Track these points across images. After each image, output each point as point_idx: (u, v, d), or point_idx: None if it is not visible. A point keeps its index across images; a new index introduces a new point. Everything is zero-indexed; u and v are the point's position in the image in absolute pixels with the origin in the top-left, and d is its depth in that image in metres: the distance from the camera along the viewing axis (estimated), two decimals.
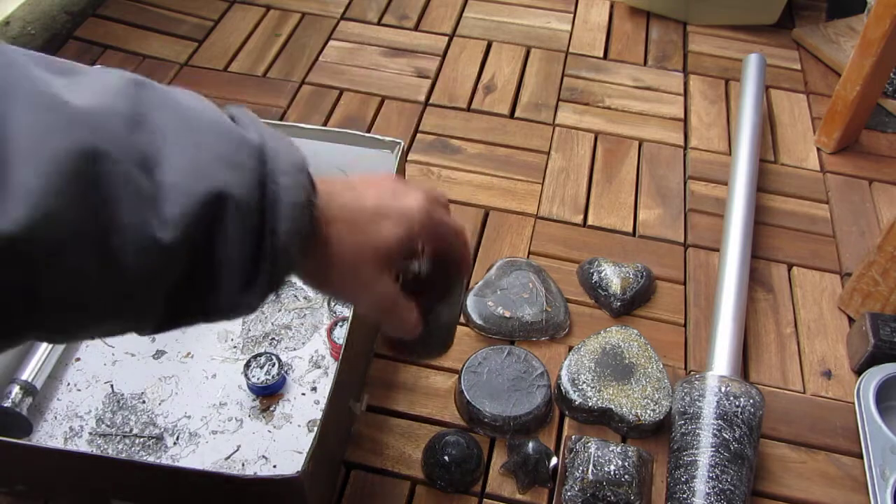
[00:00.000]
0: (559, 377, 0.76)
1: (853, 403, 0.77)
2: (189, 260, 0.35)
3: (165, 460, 0.71)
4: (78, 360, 0.79)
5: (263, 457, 0.72)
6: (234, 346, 0.80)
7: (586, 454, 0.68)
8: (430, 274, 0.51)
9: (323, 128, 0.84)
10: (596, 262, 0.87)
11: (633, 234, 0.95)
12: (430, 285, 0.52)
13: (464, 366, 0.77)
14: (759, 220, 0.96)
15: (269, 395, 0.76)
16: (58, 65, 0.34)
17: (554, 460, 0.71)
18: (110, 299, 0.34)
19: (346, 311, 0.82)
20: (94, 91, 0.34)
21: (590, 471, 0.67)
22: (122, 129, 0.33)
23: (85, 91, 0.33)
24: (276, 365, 0.76)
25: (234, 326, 0.82)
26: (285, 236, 0.38)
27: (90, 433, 0.73)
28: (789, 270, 0.92)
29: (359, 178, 0.47)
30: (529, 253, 0.91)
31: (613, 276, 0.84)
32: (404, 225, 0.46)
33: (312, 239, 0.40)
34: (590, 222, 0.96)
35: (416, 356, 0.65)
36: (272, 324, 0.82)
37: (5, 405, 0.71)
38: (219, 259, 0.36)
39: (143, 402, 0.75)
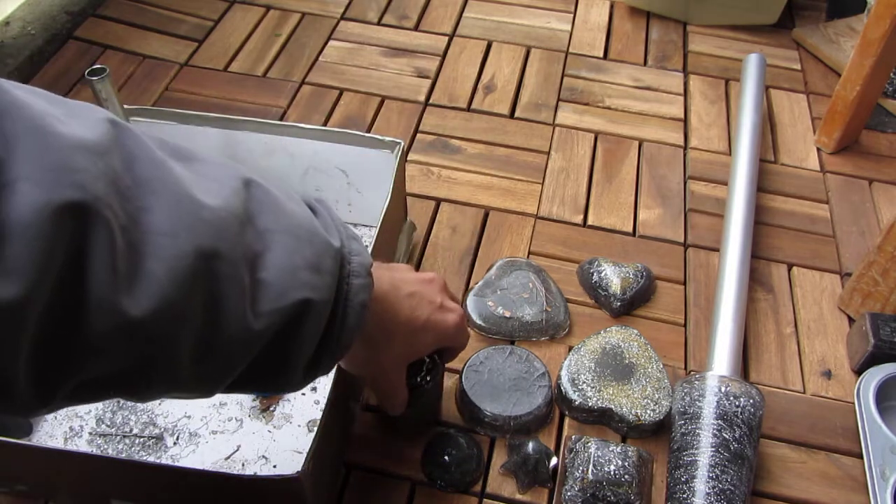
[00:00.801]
0: (559, 377, 0.76)
1: (853, 403, 0.77)
2: (268, 347, 0.40)
3: (165, 460, 0.71)
4: None
5: (263, 457, 0.72)
6: None
7: (586, 454, 0.68)
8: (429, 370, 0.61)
9: (323, 128, 0.84)
10: (596, 262, 0.87)
11: (633, 234, 0.95)
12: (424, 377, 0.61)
13: (465, 365, 0.77)
14: (759, 220, 0.96)
15: (269, 395, 0.76)
16: (174, 148, 0.39)
17: (554, 460, 0.71)
18: (196, 373, 0.39)
19: None
20: (214, 188, 0.38)
21: (590, 471, 0.67)
22: (236, 230, 0.38)
23: (210, 187, 0.38)
24: None
25: None
26: (349, 333, 0.44)
27: (90, 433, 0.73)
28: (789, 270, 0.92)
29: (415, 279, 0.56)
30: (529, 253, 0.92)
31: (613, 276, 0.84)
32: (440, 340, 0.57)
33: (360, 334, 0.46)
34: (590, 222, 0.96)
35: (401, 426, 0.73)
36: None
37: None
38: (293, 348, 0.42)
39: None
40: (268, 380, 0.44)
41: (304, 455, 0.55)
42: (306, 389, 0.77)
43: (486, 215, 0.96)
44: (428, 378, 0.61)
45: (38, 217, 0.30)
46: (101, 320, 0.33)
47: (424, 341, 0.56)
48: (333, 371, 0.61)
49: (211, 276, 0.36)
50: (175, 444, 0.72)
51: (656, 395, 0.74)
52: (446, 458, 0.69)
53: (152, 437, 0.73)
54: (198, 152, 0.40)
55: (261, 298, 0.39)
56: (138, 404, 0.75)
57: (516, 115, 1.11)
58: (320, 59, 1.18)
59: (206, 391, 0.42)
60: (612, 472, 0.67)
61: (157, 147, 0.37)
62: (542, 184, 1.00)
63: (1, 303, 0.29)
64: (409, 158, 1.03)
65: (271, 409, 0.75)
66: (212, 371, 0.40)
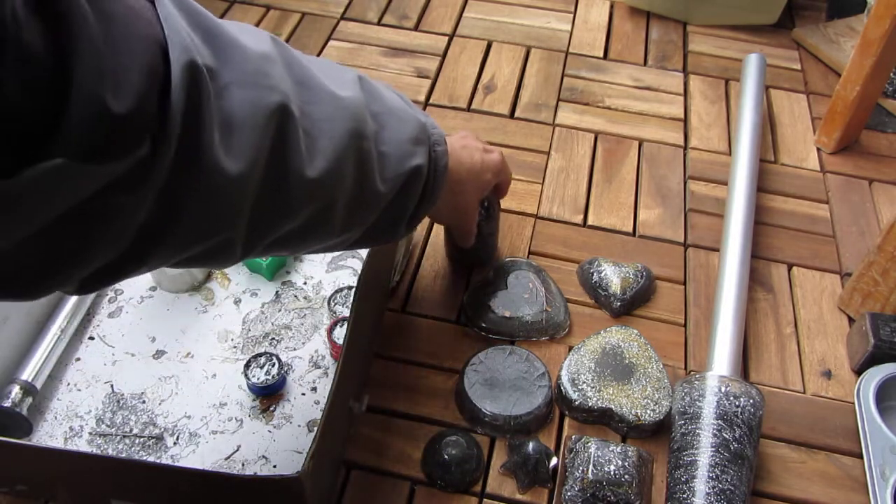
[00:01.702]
0: (559, 377, 0.76)
1: (853, 403, 0.77)
2: (389, 206, 0.53)
3: (165, 460, 0.71)
4: (78, 360, 0.79)
5: (263, 457, 0.72)
6: (234, 346, 0.80)
7: (586, 454, 0.68)
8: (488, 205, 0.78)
9: None
10: (596, 262, 0.87)
11: (633, 234, 0.95)
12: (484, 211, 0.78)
13: (465, 364, 0.77)
14: (759, 220, 0.96)
15: (269, 395, 0.76)
16: (300, 54, 0.48)
17: (554, 460, 0.71)
18: (346, 224, 0.51)
19: (346, 312, 0.82)
20: (341, 83, 0.49)
21: (590, 471, 0.67)
22: (364, 114, 0.49)
23: (338, 82, 0.49)
24: (276, 365, 0.76)
25: (234, 326, 0.82)
26: (437, 188, 0.58)
27: (90, 433, 0.73)
28: (789, 270, 0.92)
29: (459, 137, 0.68)
30: (529, 253, 0.91)
31: (613, 276, 0.84)
32: (495, 174, 0.71)
33: (445, 186, 0.60)
34: (590, 222, 0.96)
35: (472, 262, 0.88)
36: (272, 324, 0.82)
37: (5, 405, 0.71)
38: (408, 203, 0.55)
39: (143, 402, 0.75)
40: (385, 230, 0.56)
41: (304, 455, 0.55)
42: (306, 389, 0.77)
43: None
44: (488, 213, 0.80)
45: (253, 113, 0.39)
46: (296, 187, 0.44)
47: (486, 179, 0.69)
48: (334, 371, 0.61)
49: (357, 149, 0.47)
50: (175, 444, 0.72)
51: (656, 395, 0.74)
52: (446, 458, 0.69)
53: (152, 437, 0.73)
54: (322, 60, 0.51)
55: (386, 167, 0.51)
56: (139, 404, 0.75)
57: (516, 115, 1.11)
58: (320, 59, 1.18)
59: (343, 242, 0.54)
60: (612, 472, 0.67)
61: (295, 53, 0.47)
62: (542, 184, 1.00)
63: (231, 174, 0.38)
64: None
65: (271, 409, 0.75)
66: (352, 223, 0.52)
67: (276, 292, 0.85)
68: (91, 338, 0.81)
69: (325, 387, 0.77)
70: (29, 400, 0.73)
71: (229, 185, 0.39)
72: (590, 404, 0.74)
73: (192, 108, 0.35)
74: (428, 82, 1.15)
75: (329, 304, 0.83)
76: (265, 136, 0.40)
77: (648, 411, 0.73)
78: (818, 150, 1.08)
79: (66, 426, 0.73)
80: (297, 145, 0.43)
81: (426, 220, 0.94)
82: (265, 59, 0.42)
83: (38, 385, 0.74)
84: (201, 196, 0.38)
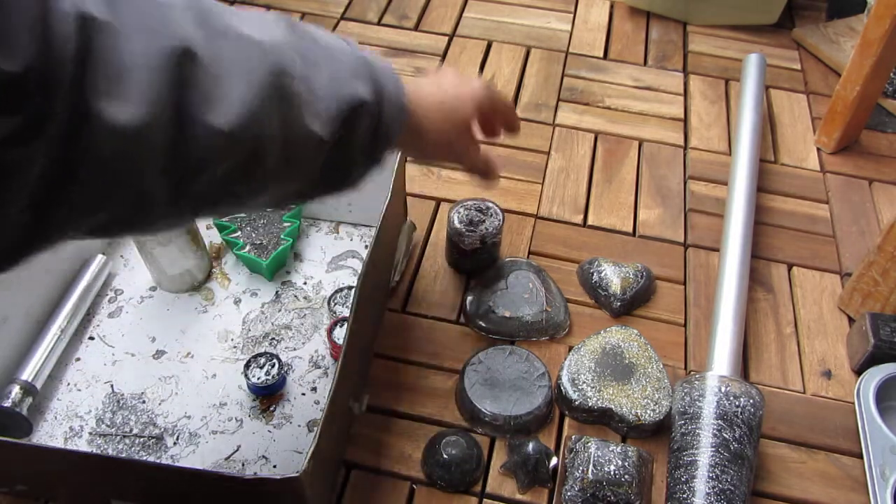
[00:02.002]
0: (559, 377, 0.76)
1: (853, 403, 0.77)
2: (334, 146, 0.49)
3: (165, 460, 0.71)
4: (78, 360, 0.79)
5: (263, 457, 0.72)
6: (234, 346, 0.80)
7: (586, 454, 0.68)
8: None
9: None
10: (596, 262, 0.87)
11: (633, 234, 0.95)
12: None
13: (466, 364, 0.77)
14: (759, 220, 0.96)
15: (269, 395, 0.76)
16: (225, 7, 0.46)
17: (554, 460, 0.71)
18: (285, 173, 0.48)
19: (346, 312, 0.82)
20: (267, 30, 0.46)
21: (590, 471, 0.67)
22: (291, 54, 0.46)
23: (264, 29, 0.46)
24: (276, 365, 0.76)
25: (234, 326, 0.82)
26: (393, 125, 0.53)
27: (90, 433, 0.73)
28: (789, 270, 0.92)
29: (431, 74, 0.64)
30: (529, 253, 0.91)
31: (613, 276, 0.84)
32: (475, 102, 0.63)
33: (406, 123, 0.55)
34: (590, 222, 0.96)
35: (472, 269, 0.88)
36: (272, 324, 0.82)
37: (5, 405, 0.71)
38: (355, 143, 0.51)
39: (143, 402, 0.75)
40: (338, 176, 0.53)
41: (304, 455, 0.55)
42: (306, 389, 0.77)
43: None
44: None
45: (146, 59, 0.38)
46: (208, 135, 0.41)
47: (462, 110, 0.63)
48: (334, 371, 0.60)
49: (279, 88, 0.44)
50: (175, 444, 0.72)
51: (656, 395, 0.74)
52: (446, 457, 0.69)
53: (152, 437, 0.73)
54: (245, 11, 0.48)
55: (317, 103, 0.47)
56: (139, 404, 0.75)
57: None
58: None
59: (295, 194, 0.52)
60: (612, 472, 0.67)
61: (216, 4, 0.45)
62: (542, 184, 1.00)
63: (126, 124, 0.37)
64: (409, 158, 1.03)
65: (271, 409, 0.75)
66: (294, 171, 0.48)
67: (276, 292, 0.85)
68: (91, 338, 0.81)
69: (325, 387, 0.77)
70: (29, 400, 0.73)
71: (126, 137, 0.37)
72: (590, 404, 0.74)
73: (80, 60, 0.35)
74: None
75: (329, 304, 0.83)
76: (163, 82, 0.39)
77: (648, 411, 0.73)
78: (818, 150, 1.08)
79: (66, 426, 0.73)
80: (204, 90, 0.41)
81: (426, 220, 0.94)
82: (169, 6, 0.41)
83: (38, 385, 0.74)
84: (97, 150, 0.37)
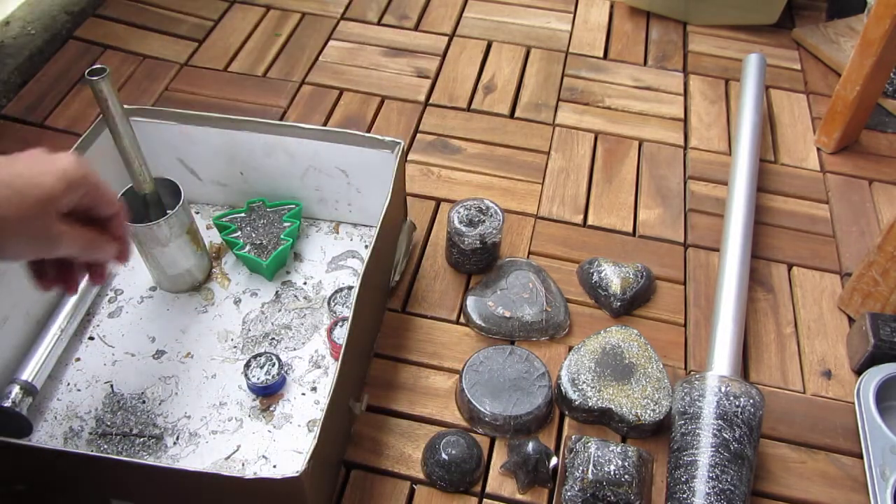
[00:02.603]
0: (559, 377, 0.76)
1: (853, 403, 0.77)
2: None
3: (165, 460, 0.71)
4: (78, 360, 0.79)
5: (263, 457, 0.72)
6: (234, 346, 0.80)
7: (586, 454, 0.68)
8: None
9: (323, 128, 0.84)
10: (596, 262, 0.87)
11: (633, 234, 0.95)
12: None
13: (466, 364, 0.77)
14: (759, 220, 0.96)
15: (269, 395, 0.76)
16: None
17: (554, 460, 0.71)
18: None
19: (347, 312, 0.82)
20: None
21: (590, 471, 0.67)
22: None
23: None
24: (276, 365, 0.76)
25: (234, 326, 0.82)
26: None
27: (90, 433, 0.73)
28: (789, 270, 0.92)
29: (6, 157, 0.52)
30: (529, 253, 0.91)
31: (613, 276, 0.84)
32: (61, 180, 0.52)
33: None
34: (590, 222, 0.96)
35: (472, 270, 0.85)
36: (272, 324, 0.82)
37: (5, 405, 0.71)
38: None
39: (143, 402, 0.75)
40: None
41: (304, 455, 0.55)
42: (306, 389, 0.77)
43: None
44: None
45: None
46: None
47: (42, 187, 0.52)
48: (334, 371, 0.60)
49: None
50: (175, 444, 0.72)
51: (656, 395, 0.74)
52: (446, 457, 0.69)
53: (152, 437, 0.73)
54: None
55: None
56: (139, 404, 0.75)
57: (516, 115, 1.11)
58: (320, 59, 1.18)
59: None
60: (612, 472, 0.67)
61: None
62: (542, 184, 1.00)
63: None
64: (409, 158, 1.03)
65: (271, 409, 0.75)
66: None
67: (276, 292, 0.85)
68: (91, 338, 0.81)
69: (325, 387, 0.77)
70: (29, 400, 0.73)
71: None
72: (590, 404, 0.74)
73: None
74: (428, 82, 1.15)
75: (329, 304, 0.83)
76: None
77: (648, 411, 0.73)
78: (818, 150, 1.08)
79: (66, 426, 0.73)
80: None
81: (426, 220, 0.94)
82: None
83: (38, 385, 0.74)
84: None
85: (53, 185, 0.52)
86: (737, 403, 0.68)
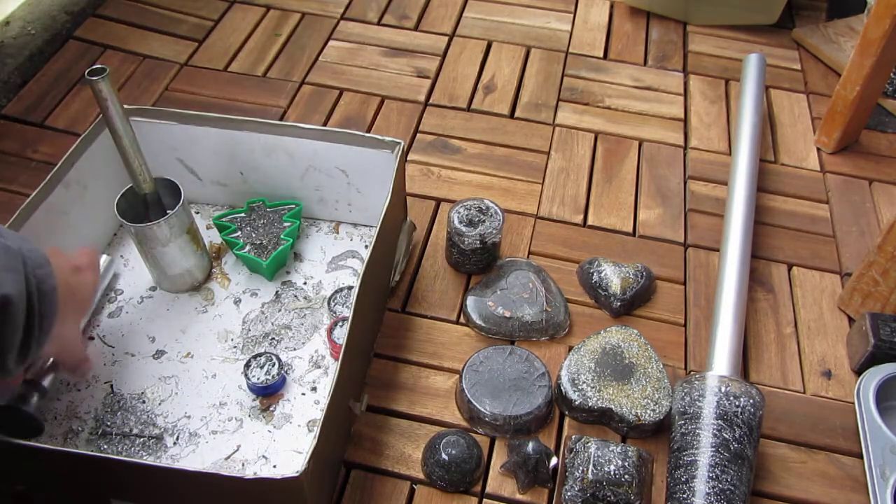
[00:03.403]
0: (559, 377, 0.76)
1: (853, 403, 0.77)
2: None
3: (165, 460, 0.71)
4: None
5: (263, 457, 0.72)
6: (234, 346, 0.80)
7: (586, 454, 0.68)
8: None
9: (323, 128, 0.84)
10: (596, 262, 0.87)
11: (633, 234, 0.95)
12: None
13: (466, 364, 0.77)
14: (759, 220, 0.96)
15: (269, 395, 0.76)
16: None
17: (554, 460, 0.71)
18: None
19: (347, 312, 0.82)
20: None
21: (590, 471, 0.67)
22: None
23: None
24: (276, 365, 0.76)
25: (234, 326, 0.82)
26: (48, 315, 0.53)
27: (90, 433, 0.73)
28: (789, 270, 0.92)
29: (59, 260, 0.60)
30: (529, 253, 0.91)
31: (613, 276, 0.84)
32: (90, 293, 0.67)
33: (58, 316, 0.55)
34: (590, 222, 0.96)
35: (472, 270, 0.88)
36: (272, 324, 0.82)
37: (25, 407, 0.70)
38: (5, 342, 0.50)
39: (143, 402, 0.75)
40: None
41: (304, 455, 0.55)
42: (306, 389, 0.77)
43: None
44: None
45: None
46: None
47: (82, 302, 0.65)
48: (334, 371, 0.60)
49: None
50: (175, 444, 0.72)
51: (656, 395, 0.74)
52: (446, 457, 0.69)
53: (152, 437, 0.73)
54: None
55: None
56: (138, 404, 0.75)
57: (516, 115, 1.11)
58: (320, 59, 1.18)
59: None
60: (612, 472, 0.67)
61: None
62: (542, 184, 1.00)
63: None
64: (409, 158, 1.03)
65: (271, 409, 0.75)
66: None
67: (276, 292, 0.85)
68: (91, 338, 0.81)
69: (325, 387, 0.77)
70: (34, 399, 0.72)
71: None
72: (590, 404, 0.74)
73: None
74: (428, 82, 1.15)
75: (329, 304, 0.83)
76: None
77: (648, 411, 0.73)
78: (818, 150, 1.08)
79: (66, 426, 0.73)
80: None
81: (426, 220, 0.94)
82: None
83: (46, 385, 0.74)
84: None
85: (86, 301, 0.67)
86: (737, 403, 0.68)
